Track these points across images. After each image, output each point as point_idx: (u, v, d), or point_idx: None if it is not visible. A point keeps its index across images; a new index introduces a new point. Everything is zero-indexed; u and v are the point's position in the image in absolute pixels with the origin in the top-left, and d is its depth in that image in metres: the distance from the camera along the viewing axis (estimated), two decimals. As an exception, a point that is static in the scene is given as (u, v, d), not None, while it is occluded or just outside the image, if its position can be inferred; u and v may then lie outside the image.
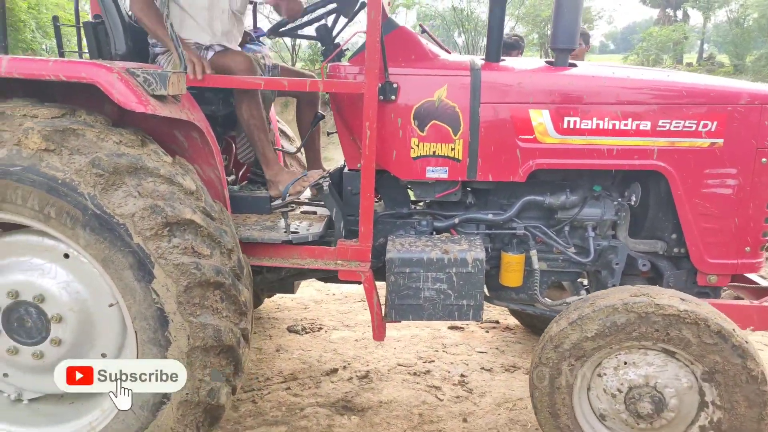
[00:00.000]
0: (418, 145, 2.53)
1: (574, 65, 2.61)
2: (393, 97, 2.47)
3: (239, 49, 2.85)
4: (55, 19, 2.88)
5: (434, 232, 2.70)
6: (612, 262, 2.69)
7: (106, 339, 2.17)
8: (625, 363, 2.22)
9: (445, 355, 3.60)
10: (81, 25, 2.67)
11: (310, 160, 3.23)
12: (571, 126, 2.48)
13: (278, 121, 3.51)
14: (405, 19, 23.41)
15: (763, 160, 2.49)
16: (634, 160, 2.52)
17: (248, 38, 3.17)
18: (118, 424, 2.15)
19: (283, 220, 2.70)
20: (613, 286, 2.69)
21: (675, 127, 2.47)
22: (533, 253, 2.64)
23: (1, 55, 1.97)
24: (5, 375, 2.33)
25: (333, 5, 2.77)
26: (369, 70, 2.33)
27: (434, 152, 2.54)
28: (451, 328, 3.98)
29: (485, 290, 2.74)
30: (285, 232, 2.57)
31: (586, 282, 3.00)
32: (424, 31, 2.75)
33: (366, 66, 2.33)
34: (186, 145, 2.40)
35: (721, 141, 2.47)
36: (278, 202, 2.82)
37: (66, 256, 2.07)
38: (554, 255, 2.75)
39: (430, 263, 2.42)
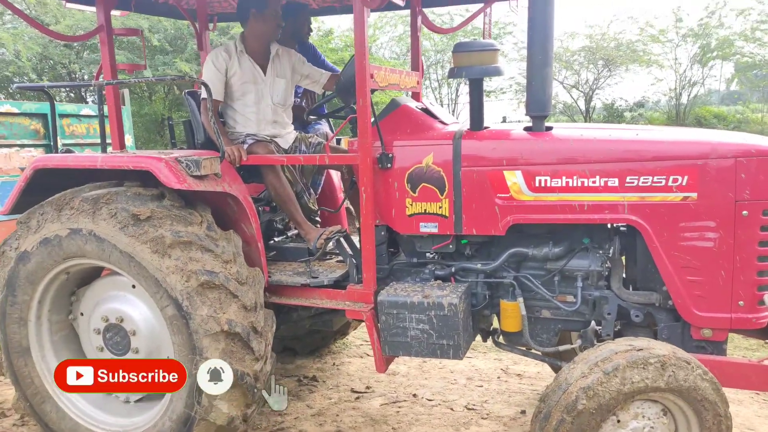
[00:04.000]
0: (411, 204, 2.97)
1: (550, 128, 2.85)
2: (389, 165, 2.96)
3: (281, 134, 3.56)
4: (169, 119, 3.93)
5: (435, 280, 3.07)
6: (604, 312, 2.80)
7: (168, 345, 2.85)
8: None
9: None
10: (173, 121, 3.64)
11: (357, 213, 3.81)
12: (543, 184, 2.72)
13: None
14: (720, 71, 22.30)
15: (744, 212, 2.47)
16: (605, 214, 2.66)
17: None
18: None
19: (314, 267, 3.31)
20: (607, 335, 2.81)
21: (643, 182, 2.58)
22: (520, 300, 2.87)
23: (99, 154, 2.92)
24: (114, 381, 3.22)
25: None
26: (361, 146, 2.87)
27: (425, 210, 2.95)
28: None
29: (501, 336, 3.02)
30: (307, 277, 3.17)
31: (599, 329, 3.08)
32: (424, 107, 3.20)
33: (359, 143, 2.88)
34: (235, 209, 3.14)
35: (694, 195, 2.52)
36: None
37: (133, 286, 2.89)
38: (555, 304, 2.93)
39: (413, 306, 2.80)
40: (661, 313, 2.75)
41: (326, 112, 3.86)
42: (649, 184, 2.58)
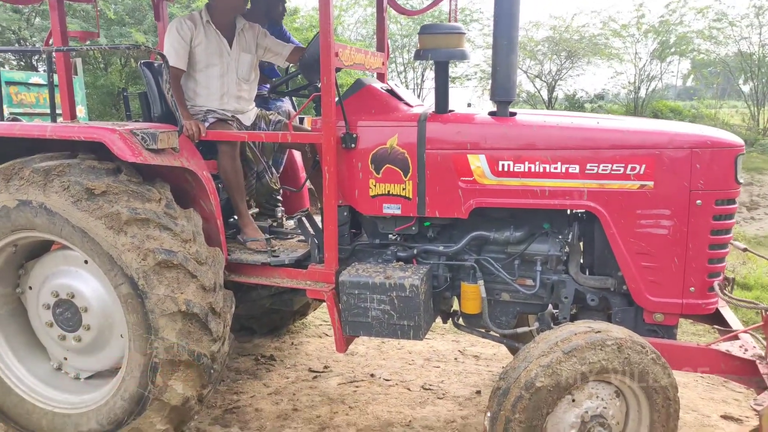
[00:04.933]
0: (375, 185, 2.95)
1: (514, 114, 2.87)
2: (353, 145, 2.93)
3: (244, 110, 3.47)
4: (124, 90, 3.78)
5: (397, 261, 3.07)
6: (561, 296, 2.86)
7: (122, 323, 2.76)
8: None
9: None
10: (127, 93, 3.51)
11: (319, 193, 3.77)
12: (506, 169, 2.75)
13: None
14: (677, 67, 22.39)
15: (698, 202, 2.55)
16: (565, 200, 2.71)
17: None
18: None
19: (275, 246, 3.26)
20: (564, 318, 2.87)
21: (603, 170, 2.63)
22: (480, 283, 2.90)
23: (49, 123, 2.78)
24: (65, 359, 3.11)
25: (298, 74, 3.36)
26: (325, 125, 2.83)
27: (389, 191, 2.94)
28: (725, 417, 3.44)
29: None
30: (267, 255, 3.12)
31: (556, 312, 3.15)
32: (389, 89, 3.17)
33: (323, 121, 2.83)
34: (194, 186, 3.06)
35: (651, 183, 2.59)
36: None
37: (86, 262, 2.79)
38: (515, 287, 2.97)
39: (375, 287, 2.79)
40: (616, 297, 2.83)
41: (288, 89, 3.78)
42: (608, 171, 2.63)
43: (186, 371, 2.68)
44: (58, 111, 3.15)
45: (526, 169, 2.73)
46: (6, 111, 5.37)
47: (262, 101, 3.86)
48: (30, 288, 3.02)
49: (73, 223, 2.60)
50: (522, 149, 2.73)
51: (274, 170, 3.70)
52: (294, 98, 4.20)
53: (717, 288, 2.60)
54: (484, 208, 2.85)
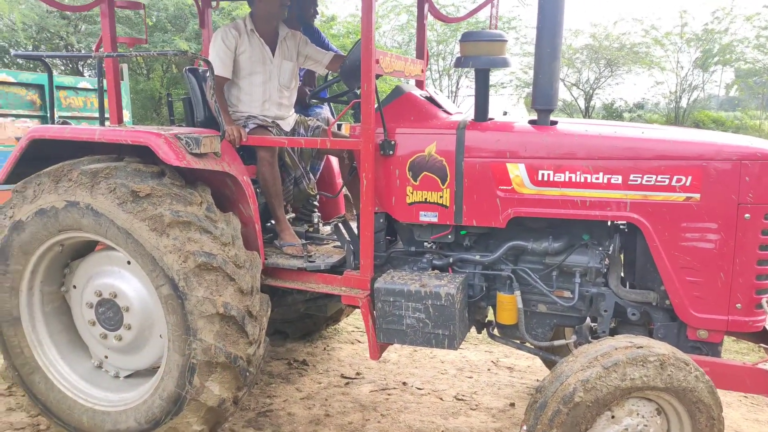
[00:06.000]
0: (412, 193, 2.95)
1: (555, 123, 2.84)
2: (391, 152, 2.93)
3: (284, 116, 3.52)
4: (168, 95, 3.87)
5: (433, 269, 3.06)
6: (601, 309, 2.80)
7: (162, 323, 2.82)
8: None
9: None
10: (172, 98, 3.59)
11: (356, 201, 3.79)
12: (545, 178, 2.71)
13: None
14: (721, 76, 21.88)
15: (747, 215, 2.47)
16: (607, 211, 2.66)
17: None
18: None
19: (311, 251, 3.29)
20: (603, 332, 2.81)
21: (647, 181, 2.57)
22: (517, 293, 2.86)
23: (97, 127, 2.87)
24: (106, 357, 3.19)
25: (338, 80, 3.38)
26: (364, 132, 2.84)
27: (426, 199, 2.93)
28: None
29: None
30: (303, 261, 3.14)
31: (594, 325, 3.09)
32: (429, 96, 3.17)
33: (361, 128, 2.85)
34: (234, 190, 3.11)
35: (697, 195, 2.51)
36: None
37: (128, 262, 2.86)
38: (552, 299, 2.92)
39: (410, 294, 2.78)
40: (658, 312, 2.76)
41: (328, 96, 3.83)
42: (652, 183, 2.57)
43: (222, 373, 2.72)
44: (106, 115, 3.24)
45: (567, 179, 2.69)
46: (56, 114, 5.57)
47: (301, 108, 3.90)
48: (74, 287, 3.11)
49: (118, 225, 2.67)
50: (563, 158, 2.69)
51: (311, 176, 3.73)
52: (332, 105, 4.24)
53: (765, 305, 2.51)
54: (522, 217, 2.82)
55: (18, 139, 3.08)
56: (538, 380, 3.94)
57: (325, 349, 4.49)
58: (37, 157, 2.98)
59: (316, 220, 3.77)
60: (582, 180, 2.66)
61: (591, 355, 2.25)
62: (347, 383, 3.90)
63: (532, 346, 3.03)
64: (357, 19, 17.04)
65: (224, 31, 3.33)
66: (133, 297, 2.89)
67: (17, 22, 13.65)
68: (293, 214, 3.83)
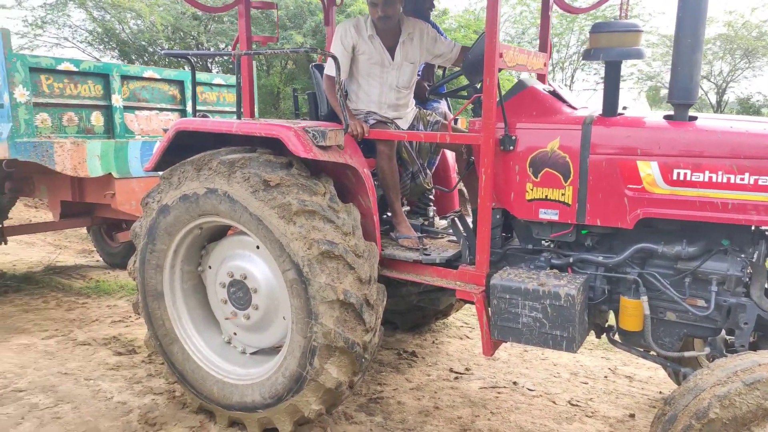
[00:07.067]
0: (532, 189, 2.89)
1: (694, 118, 2.64)
2: (511, 148, 2.89)
3: (402, 116, 3.57)
4: (294, 90, 4.07)
5: (551, 269, 2.98)
6: (740, 322, 2.59)
7: (286, 305, 3.00)
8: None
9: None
10: (297, 93, 3.79)
11: (472, 196, 3.78)
12: (681, 178, 2.55)
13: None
14: None
15: None
16: (752, 215, 2.44)
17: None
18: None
19: (426, 244, 3.33)
20: (741, 346, 2.60)
21: (803, 184, 2.33)
22: (644, 299, 2.72)
23: (234, 120, 3.09)
24: (235, 334, 3.45)
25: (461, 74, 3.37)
26: (484, 126, 2.82)
27: (546, 196, 2.86)
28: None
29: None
30: (419, 253, 3.19)
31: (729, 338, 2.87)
32: (552, 90, 3.08)
33: (483, 123, 2.83)
34: (354, 182, 3.22)
35: None
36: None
37: (258, 247, 3.06)
38: (684, 307, 2.73)
39: (528, 293, 2.73)
40: (811, 329, 2.50)
41: (445, 91, 3.82)
42: (810, 186, 2.33)
43: (341, 357, 2.83)
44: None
45: (706, 179, 2.50)
46: (195, 109, 6.05)
47: (418, 102, 3.93)
48: (209, 267, 3.38)
49: (250, 211, 2.86)
50: (703, 157, 2.50)
51: (428, 170, 3.76)
52: (449, 99, 4.24)
53: None
54: (653, 218, 2.66)
55: (165, 130, 3.39)
56: (661, 392, 3.71)
57: (433, 342, 4.53)
58: (179, 147, 3.26)
59: (431, 214, 3.80)
60: (724, 180, 2.47)
61: (730, 369, 2.09)
62: (456, 378, 3.91)
63: (658, 356, 2.86)
64: (471, 14, 16.86)
65: (343, 29, 3.35)
66: (261, 279, 3.09)
67: (157, 24, 14.97)
68: (409, 207, 3.89)
